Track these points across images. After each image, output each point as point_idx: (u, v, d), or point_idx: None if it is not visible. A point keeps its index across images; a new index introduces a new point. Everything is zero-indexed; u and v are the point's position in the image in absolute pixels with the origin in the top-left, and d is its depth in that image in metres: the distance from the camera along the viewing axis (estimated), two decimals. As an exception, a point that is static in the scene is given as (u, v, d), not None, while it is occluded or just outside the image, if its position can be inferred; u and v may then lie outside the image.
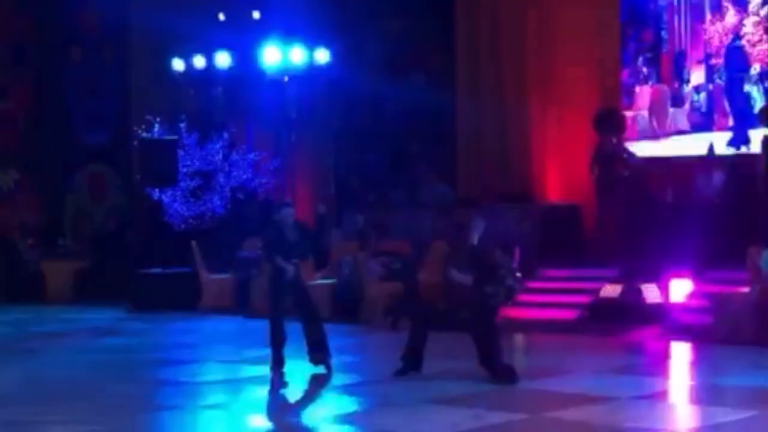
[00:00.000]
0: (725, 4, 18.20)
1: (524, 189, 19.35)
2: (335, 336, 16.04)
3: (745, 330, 14.18)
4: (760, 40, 17.93)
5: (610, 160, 17.84)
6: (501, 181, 19.48)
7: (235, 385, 12.62)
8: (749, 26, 18.02)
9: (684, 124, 18.57)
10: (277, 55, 20.56)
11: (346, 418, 10.65)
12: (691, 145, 18.15)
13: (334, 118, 22.09)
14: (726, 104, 18.11)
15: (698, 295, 15.66)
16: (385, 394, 11.50)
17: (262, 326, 17.21)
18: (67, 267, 22.11)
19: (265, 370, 13.17)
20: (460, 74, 20.68)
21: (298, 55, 20.59)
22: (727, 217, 16.66)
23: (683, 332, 15.00)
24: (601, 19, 19.07)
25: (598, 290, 16.45)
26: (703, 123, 18.38)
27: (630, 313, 15.92)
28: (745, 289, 14.48)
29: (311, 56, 20.73)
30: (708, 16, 18.38)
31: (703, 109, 18.44)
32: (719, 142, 17.56)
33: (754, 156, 16.58)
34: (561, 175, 19.27)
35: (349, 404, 11.38)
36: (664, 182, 17.97)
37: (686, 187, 17.44)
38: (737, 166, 17.11)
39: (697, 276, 15.99)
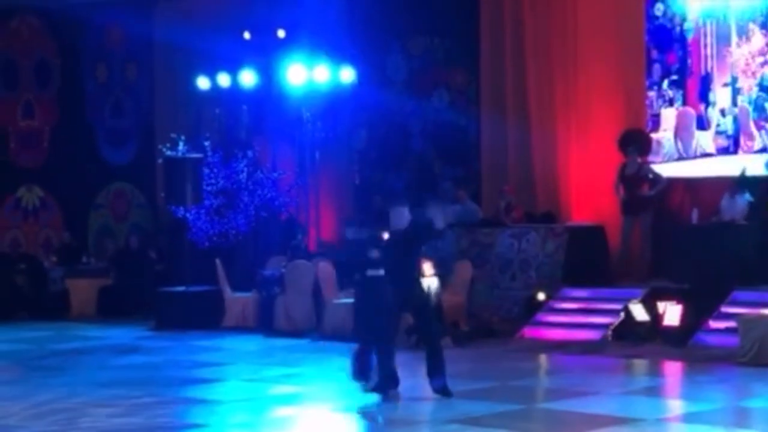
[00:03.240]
0: (752, 27, 18.08)
1: (549, 208, 19.30)
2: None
3: (771, 352, 14.11)
4: None
5: (635, 181, 17.81)
6: (525, 200, 19.44)
7: (259, 403, 12.58)
8: None
9: (710, 146, 18.46)
10: (301, 74, 20.58)
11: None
12: (721, 167, 18.02)
13: (357, 137, 22.09)
14: (752, 126, 18.01)
15: (724, 317, 15.56)
16: (409, 414, 11.45)
17: (286, 345, 17.35)
18: (91, 285, 22.13)
19: (288, 389, 13.16)
20: (484, 93, 20.66)
21: (322, 73, 20.60)
22: (754, 238, 16.57)
23: (709, 354, 14.91)
24: (627, 42, 19.01)
25: (622, 311, 16.36)
26: (729, 146, 18.26)
27: (655, 334, 15.84)
28: (772, 311, 14.41)
29: (336, 75, 20.75)
30: (734, 39, 18.26)
31: (729, 132, 18.31)
32: (752, 164, 17.43)
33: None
34: (586, 195, 19.21)
35: (370, 424, 11.34)
36: (690, 203, 17.88)
37: (712, 208, 17.33)
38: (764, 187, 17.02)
39: (723, 297, 15.89)
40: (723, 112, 18.38)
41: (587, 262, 18.12)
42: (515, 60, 20.12)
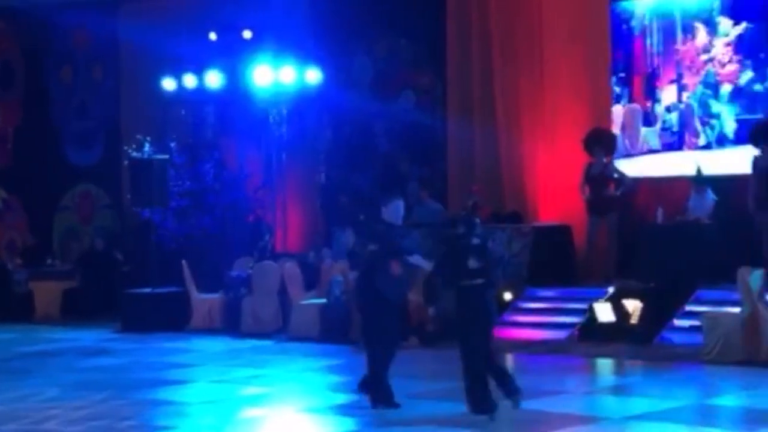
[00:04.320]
0: (696, 24, 18.30)
1: (515, 208, 19.35)
2: (325, 356, 16.11)
3: (735, 350, 14.20)
4: (730, 61, 18.02)
5: (601, 180, 17.88)
6: (492, 200, 19.48)
7: (227, 405, 12.57)
8: (719, 47, 18.13)
9: (656, 143, 18.68)
10: (267, 75, 20.56)
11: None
12: (671, 164, 18.18)
13: (324, 138, 22.08)
14: (697, 123, 18.23)
15: (689, 315, 15.66)
16: (375, 414, 11.47)
17: (252, 346, 17.34)
18: (55, 287, 22.02)
19: (255, 390, 13.17)
20: (450, 94, 20.69)
21: (288, 74, 20.59)
22: (718, 237, 16.68)
23: (674, 352, 15.00)
24: (592, 43, 19.09)
25: (588, 310, 16.43)
26: (674, 142, 18.48)
27: (621, 333, 15.91)
28: (736, 310, 14.49)
29: (302, 76, 20.74)
30: (680, 36, 18.48)
31: (675, 129, 18.53)
32: (705, 162, 17.55)
33: (744, 176, 16.61)
34: (552, 195, 19.27)
35: (338, 425, 11.36)
36: (656, 202, 17.97)
37: (677, 207, 17.43)
38: (728, 186, 17.13)
39: (687, 296, 15.98)
40: (669, 109, 18.60)
41: (553, 261, 18.18)
42: (481, 61, 20.17)
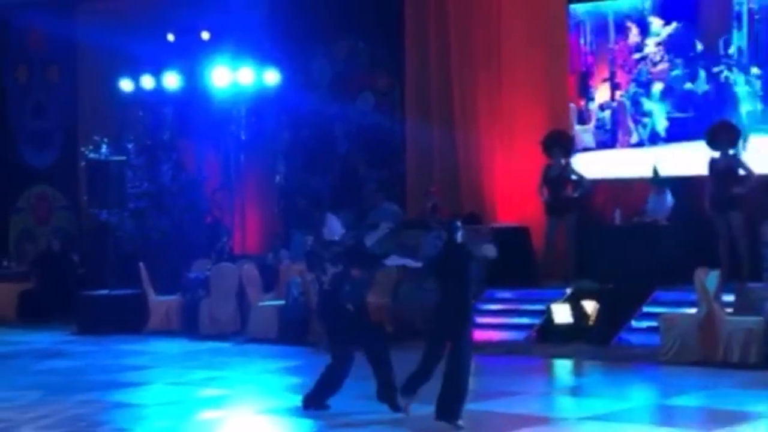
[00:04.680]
0: (628, 24, 18.53)
1: (473, 210, 19.37)
2: (283, 358, 16.09)
3: (691, 350, 14.27)
4: (661, 60, 18.25)
5: (559, 182, 17.93)
6: (450, 201, 19.49)
7: (184, 407, 12.51)
8: (651, 46, 18.33)
9: (590, 141, 18.89)
10: (226, 76, 20.51)
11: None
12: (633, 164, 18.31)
13: (282, 140, 22.03)
14: (630, 121, 18.41)
15: (646, 316, 15.72)
16: (333, 416, 11.45)
17: (210, 348, 17.28)
18: (11, 288, 21.85)
19: (212, 392, 13.12)
20: (409, 96, 20.70)
21: (247, 75, 20.55)
22: (675, 238, 16.77)
23: (631, 353, 15.06)
24: (550, 45, 19.16)
25: (546, 311, 16.47)
26: (607, 140, 18.65)
27: (579, 334, 15.96)
28: (693, 310, 14.57)
29: (260, 77, 20.70)
30: (612, 35, 18.71)
31: (608, 127, 18.77)
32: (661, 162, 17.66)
33: (701, 178, 16.71)
34: (510, 197, 19.31)
35: (295, 426, 11.33)
36: (613, 204, 18.05)
37: (635, 208, 17.51)
38: (685, 187, 17.23)
39: (645, 297, 16.05)
40: (602, 107, 18.83)
41: (511, 263, 18.17)
42: (439, 63, 20.20)
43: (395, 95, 21.02)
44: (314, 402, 11.68)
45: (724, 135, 16.50)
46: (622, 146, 18.62)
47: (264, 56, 20.95)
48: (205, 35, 21.28)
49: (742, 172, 16.29)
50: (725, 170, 16.27)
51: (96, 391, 13.42)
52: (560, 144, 18.10)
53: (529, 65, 19.31)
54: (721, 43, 17.72)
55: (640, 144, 18.47)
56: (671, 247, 16.66)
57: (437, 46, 20.25)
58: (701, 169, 16.79)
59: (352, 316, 11.63)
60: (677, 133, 18.03)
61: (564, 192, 17.91)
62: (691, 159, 17.29)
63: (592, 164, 18.53)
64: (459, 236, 11.26)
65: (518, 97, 19.41)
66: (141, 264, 19.48)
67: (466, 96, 19.96)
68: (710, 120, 17.26)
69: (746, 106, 17.50)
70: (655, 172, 17.27)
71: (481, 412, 11.00)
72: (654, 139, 18.32)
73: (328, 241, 11.98)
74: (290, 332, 17.46)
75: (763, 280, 15.46)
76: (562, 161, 17.94)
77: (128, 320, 19.19)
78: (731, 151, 16.36)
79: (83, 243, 22.96)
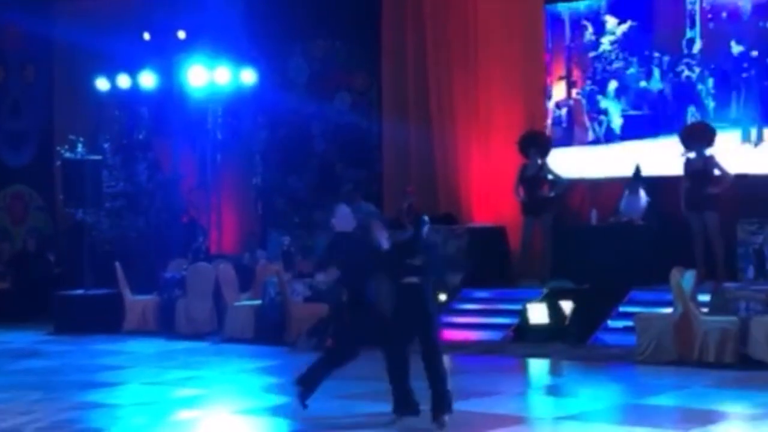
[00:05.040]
0: (584, 22, 18.71)
1: (450, 210, 19.40)
2: (260, 357, 16.08)
3: (667, 350, 14.33)
4: (616, 58, 18.40)
5: (536, 182, 17.96)
6: (427, 201, 19.50)
7: (160, 407, 12.49)
8: (606, 44, 18.45)
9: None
10: (202, 75, 20.48)
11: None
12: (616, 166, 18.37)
13: (259, 139, 22.01)
14: (586, 119, 18.59)
15: (622, 316, 15.77)
16: (310, 416, 11.45)
17: (187, 348, 17.26)
18: (-14, 288, 21.81)
19: (189, 391, 13.11)
20: (386, 96, 20.72)
21: (223, 75, 20.52)
22: (651, 238, 16.83)
23: (607, 353, 15.10)
24: (526, 44, 19.22)
25: (523, 311, 16.49)
26: (564, 138, 18.76)
27: (555, 334, 15.99)
28: (669, 310, 14.62)
29: (237, 76, 20.68)
30: (568, 34, 18.88)
31: (564, 125, 18.92)
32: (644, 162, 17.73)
33: (676, 178, 16.77)
34: (486, 196, 19.35)
35: (272, 426, 11.33)
36: (590, 204, 18.11)
37: (611, 208, 17.56)
38: (660, 187, 17.29)
39: (620, 297, 16.10)
40: (558, 105, 19.00)
41: (488, 263, 18.25)
42: (416, 63, 20.23)
43: (372, 95, 21.04)
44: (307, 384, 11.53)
45: (700, 135, 16.56)
46: (579, 144, 18.79)
47: (241, 55, 20.92)
48: (182, 34, 21.23)
49: (717, 172, 16.35)
50: (701, 170, 16.33)
51: (72, 391, 13.39)
52: (536, 144, 18.14)
53: (505, 65, 19.36)
54: (674, 41, 17.91)
55: (596, 142, 18.69)
56: (647, 247, 16.73)
57: (414, 45, 20.28)
58: (661, 167, 17.08)
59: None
60: (632, 130, 18.27)
61: (540, 192, 17.95)
62: (652, 157, 17.57)
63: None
64: (425, 231, 11.22)
65: (495, 97, 19.45)
66: (117, 264, 19.44)
67: (443, 96, 20.00)
68: (665, 118, 17.63)
69: (699, 104, 17.69)
70: (637, 170, 17.31)
71: (458, 411, 10.99)
72: (610, 136, 18.53)
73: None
74: (267, 332, 17.45)
75: (739, 280, 15.54)
76: (539, 161, 17.97)
77: (104, 320, 19.15)
78: (707, 152, 16.42)
79: (59, 243, 22.90)
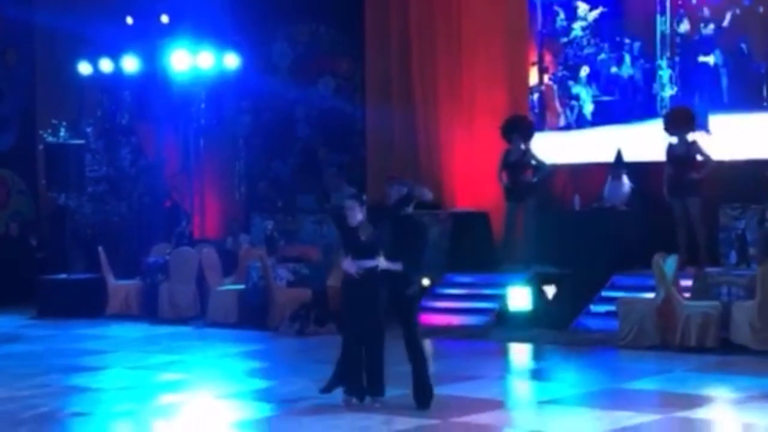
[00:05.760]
0: (555, 8, 18.80)
1: (433, 195, 19.39)
2: (243, 342, 16.09)
3: (649, 335, 14.38)
4: (588, 44, 18.49)
5: (519, 167, 17.97)
6: (410, 186, 19.48)
7: (143, 391, 12.50)
8: (578, 30, 18.53)
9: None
10: (185, 60, 20.43)
11: (251, 424, 10.62)
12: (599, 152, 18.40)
13: (242, 123, 21.99)
14: (557, 104, 18.68)
15: (604, 301, 15.81)
16: (293, 400, 11.48)
17: (170, 332, 17.25)
18: (-32, 273, 21.72)
19: (172, 376, 13.12)
20: (369, 81, 20.70)
21: (206, 59, 20.48)
22: (634, 224, 16.88)
23: (590, 337, 15.14)
24: (511, 29, 19.22)
25: (506, 296, 16.53)
26: (536, 123, 18.71)
27: (537, 319, 16.03)
28: (651, 295, 14.67)
29: (220, 61, 20.64)
30: (539, 19, 18.95)
31: (536, 110, 18.99)
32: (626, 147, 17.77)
33: (659, 163, 16.80)
34: (470, 182, 19.37)
35: (256, 410, 11.34)
36: (573, 189, 18.13)
37: (594, 193, 17.59)
38: (643, 173, 17.33)
39: (603, 282, 16.14)
40: (531, 90, 19.03)
41: (471, 248, 18.27)
42: (400, 48, 20.22)
43: (356, 79, 21.03)
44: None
45: (683, 121, 16.58)
46: (551, 129, 18.85)
47: (224, 40, 20.88)
48: (165, 18, 21.16)
49: (699, 157, 16.38)
50: (683, 156, 16.35)
51: (55, 375, 13.40)
52: (519, 129, 18.11)
53: (489, 50, 19.35)
54: (645, 27, 17.94)
55: (567, 127, 18.77)
56: (630, 233, 16.77)
57: (398, 30, 20.26)
58: (638, 153, 17.22)
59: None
60: (604, 116, 18.36)
61: (523, 177, 17.95)
62: (625, 142, 17.58)
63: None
64: (410, 208, 11.30)
65: (478, 82, 19.45)
66: (100, 248, 19.41)
67: (427, 81, 19.99)
68: (635, 103, 17.78)
69: (668, 90, 17.77)
70: (619, 155, 17.34)
71: (440, 395, 11.03)
72: (581, 122, 18.63)
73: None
74: (250, 316, 17.46)
75: (721, 265, 15.59)
76: (522, 146, 17.96)
77: (87, 304, 19.13)
78: (689, 137, 16.44)
79: (41, 227, 22.84)
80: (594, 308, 15.92)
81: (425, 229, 11.87)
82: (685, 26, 17.58)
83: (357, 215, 11.24)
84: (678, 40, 17.66)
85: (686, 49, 17.58)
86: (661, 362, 13.49)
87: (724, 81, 17.32)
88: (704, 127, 16.93)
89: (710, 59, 17.36)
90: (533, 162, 18.00)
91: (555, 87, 18.86)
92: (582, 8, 18.57)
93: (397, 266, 10.92)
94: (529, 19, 19.03)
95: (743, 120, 17.10)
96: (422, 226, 11.82)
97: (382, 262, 10.96)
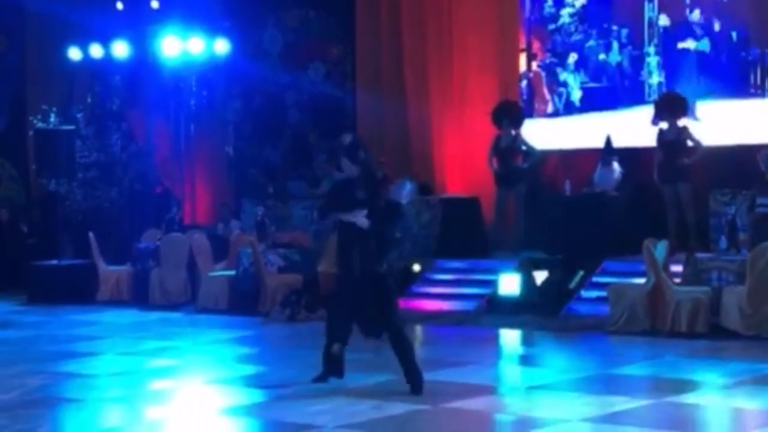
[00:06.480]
0: None
1: (424, 180, 19.39)
2: (234, 328, 16.10)
3: (639, 320, 14.41)
4: (576, 30, 18.53)
5: (509, 153, 17.99)
6: (400, 172, 19.49)
7: (135, 377, 12.50)
8: (566, 17, 18.57)
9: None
10: (175, 45, 20.39)
11: (242, 410, 10.63)
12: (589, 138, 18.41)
13: (232, 109, 21.97)
14: (546, 91, 18.72)
15: (595, 287, 15.83)
16: (284, 386, 11.49)
17: (160, 318, 17.26)
18: (-41, 259, 21.70)
19: (163, 362, 13.13)
20: (360, 67, 20.70)
21: (197, 45, 20.44)
22: (624, 209, 16.90)
23: (580, 323, 15.16)
24: (501, 14, 19.22)
25: (496, 282, 16.54)
26: (524, 110, 18.75)
27: (528, 305, 16.04)
28: (641, 281, 14.69)
29: (210, 46, 20.60)
30: (528, 5, 19.02)
31: (524, 97, 19.04)
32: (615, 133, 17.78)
33: (649, 149, 16.82)
34: (460, 167, 19.38)
35: (246, 395, 11.35)
36: (563, 174, 18.15)
37: (584, 179, 17.61)
38: (634, 158, 17.35)
39: (594, 267, 16.16)
40: (519, 77, 19.05)
41: (462, 233, 18.27)
42: (391, 33, 20.21)
43: (346, 65, 21.02)
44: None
45: (673, 106, 16.60)
46: (539, 115, 18.89)
47: (214, 25, 20.84)
48: (155, 4, 21.13)
49: (690, 143, 16.41)
50: (674, 141, 16.39)
51: (46, 362, 13.38)
52: (510, 115, 18.12)
53: (480, 35, 19.35)
54: (633, 14, 17.98)
55: (555, 114, 18.83)
56: (620, 218, 16.80)
57: (388, 16, 20.25)
58: (626, 138, 17.27)
59: None
60: (591, 103, 18.42)
61: (514, 163, 17.97)
62: (611, 128, 17.61)
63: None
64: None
65: (469, 68, 19.46)
66: (91, 234, 19.40)
67: (417, 66, 19.98)
68: (623, 90, 17.87)
69: (656, 77, 17.81)
70: (608, 141, 17.36)
71: (431, 381, 11.04)
72: (569, 108, 18.67)
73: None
74: (241, 302, 17.47)
75: (711, 251, 15.62)
76: (512, 132, 17.97)
77: (78, 290, 19.13)
78: (680, 123, 16.47)
79: (32, 213, 22.80)
80: (584, 294, 15.95)
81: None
82: (667, 17, 17.62)
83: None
84: (666, 26, 17.66)
85: (672, 36, 17.59)
86: (651, 347, 13.53)
87: (712, 68, 17.35)
88: (692, 113, 16.95)
89: (696, 45, 17.37)
90: (524, 148, 18.02)
91: (543, 74, 18.89)
92: None
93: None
94: (518, 6, 19.04)
95: (733, 106, 17.14)
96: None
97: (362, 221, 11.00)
